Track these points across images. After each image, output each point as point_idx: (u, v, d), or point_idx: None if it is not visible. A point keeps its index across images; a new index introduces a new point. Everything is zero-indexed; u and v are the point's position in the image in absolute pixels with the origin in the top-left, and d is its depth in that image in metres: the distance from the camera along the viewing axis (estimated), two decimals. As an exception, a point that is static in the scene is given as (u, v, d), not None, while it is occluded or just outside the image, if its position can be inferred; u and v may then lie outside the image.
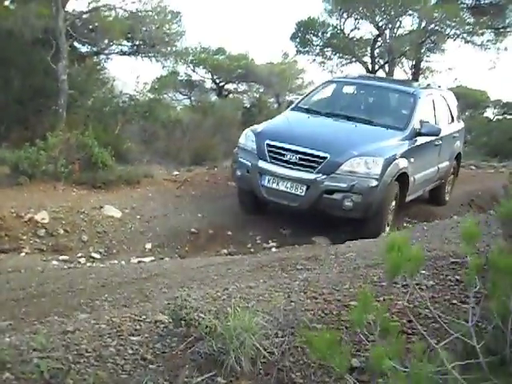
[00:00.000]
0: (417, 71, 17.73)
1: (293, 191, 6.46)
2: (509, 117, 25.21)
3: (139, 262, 5.97)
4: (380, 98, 8.25)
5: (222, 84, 22.87)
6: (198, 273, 4.34)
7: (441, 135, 7.64)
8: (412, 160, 6.94)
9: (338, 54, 18.43)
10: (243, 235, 7.01)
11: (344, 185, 6.28)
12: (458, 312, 2.47)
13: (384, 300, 2.68)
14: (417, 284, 2.77)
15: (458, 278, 2.93)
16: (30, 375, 1.97)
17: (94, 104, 13.81)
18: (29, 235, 6.40)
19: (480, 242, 3.33)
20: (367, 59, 17.94)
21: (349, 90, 8.66)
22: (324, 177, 6.33)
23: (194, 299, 2.67)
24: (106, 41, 14.62)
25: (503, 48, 16.49)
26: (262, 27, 44.45)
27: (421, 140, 7.23)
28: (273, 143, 6.71)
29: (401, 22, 16.25)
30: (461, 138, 9.32)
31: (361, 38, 17.71)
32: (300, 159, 6.46)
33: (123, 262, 5.96)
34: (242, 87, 23.74)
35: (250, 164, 6.82)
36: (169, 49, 15.49)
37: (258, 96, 21.21)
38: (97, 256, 6.32)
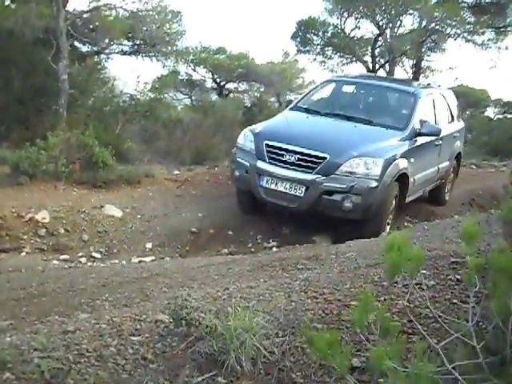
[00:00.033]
0: (417, 70, 17.71)
1: (292, 192, 6.40)
2: (509, 116, 25.21)
3: (140, 261, 5.97)
4: (380, 97, 8.18)
5: (222, 83, 22.86)
6: (199, 272, 4.35)
7: (441, 135, 7.59)
8: (412, 160, 6.89)
9: (338, 54, 18.43)
10: (244, 235, 7.01)
11: (343, 186, 6.22)
12: (459, 312, 2.47)
13: (385, 300, 2.68)
14: (417, 284, 2.76)
15: (458, 277, 2.92)
16: (30, 375, 1.97)
17: (95, 103, 13.82)
18: (29, 235, 6.41)
19: (481, 241, 3.33)
20: (368, 58, 17.95)
21: (348, 89, 8.58)
22: (323, 177, 6.27)
23: (194, 299, 2.67)
24: (107, 40, 14.61)
25: (504, 47, 16.50)
26: (262, 26, 44.45)
27: (421, 140, 7.17)
28: (271, 143, 6.65)
29: (401, 21, 16.26)
30: (461, 137, 9.26)
31: (361, 37, 17.72)
32: (299, 160, 6.40)
33: (124, 262, 5.97)
34: (243, 86, 23.74)
35: (248, 164, 6.76)
36: (169, 48, 15.49)
37: (258, 95, 21.20)
38: (97, 255, 6.33)
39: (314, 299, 2.80)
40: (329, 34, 18.01)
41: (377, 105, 8.03)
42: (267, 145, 6.67)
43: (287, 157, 6.47)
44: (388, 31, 16.44)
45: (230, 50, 22.30)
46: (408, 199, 7.25)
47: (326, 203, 6.28)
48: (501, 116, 25.55)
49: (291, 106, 8.20)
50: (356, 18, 16.94)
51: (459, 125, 9.24)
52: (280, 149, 6.56)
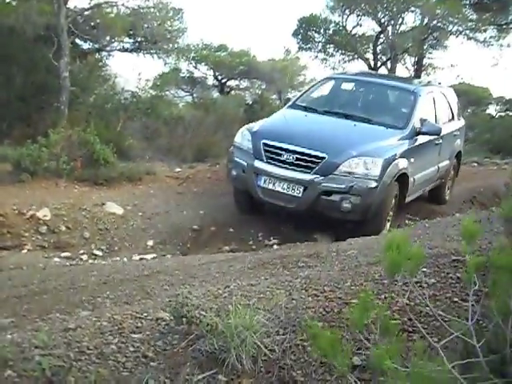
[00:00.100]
0: (419, 68, 17.71)
1: (289, 192, 6.31)
2: (511, 113, 25.15)
3: (141, 259, 5.98)
4: (379, 95, 8.06)
5: (223, 81, 22.83)
6: (200, 270, 4.35)
7: (441, 134, 7.49)
8: (412, 160, 6.80)
9: (340, 51, 18.44)
10: (245, 232, 7.00)
11: (342, 186, 6.13)
12: (460, 310, 2.47)
13: (385, 298, 2.68)
14: (418, 282, 2.77)
15: (459, 275, 2.92)
16: (31, 372, 1.97)
17: (96, 101, 13.81)
18: (31, 232, 6.42)
19: (482, 239, 3.33)
20: (369, 56, 17.96)
21: (347, 87, 8.43)
22: (322, 178, 6.18)
23: (195, 297, 2.67)
24: (108, 38, 14.60)
25: (506, 44, 16.50)
26: (263, 24, 44.28)
27: (421, 139, 7.09)
28: (269, 143, 6.55)
29: (403, 18, 16.28)
30: (461, 136, 9.19)
31: (363, 34, 17.74)
32: (297, 159, 6.30)
33: (125, 259, 5.98)
34: (244, 84, 23.71)
35: (245, 164, 6.66)
36: (171, 45, 15.50)
37: (260, 93, 21.19)
38: (98, 253, 6.34)
39: (315, 297, 2.80)
40: (330, 32, 18.02)
41: (376, 103, 7.91)
42: (265, 144, 6.57)
43: (285, 156, 6.38)
44: (390, 28, 16.45)
45: (231, 47, 22.30)
46: (408, 199, 7.18)
47: (325, 204, 6.20)
48: (503, 114, 25.47)
49: (289, 103, 8.07)
50: (358, 16, 16.97)
51: (459, 123, 9.15)
52: (278, 148, 6.47)
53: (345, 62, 18.56)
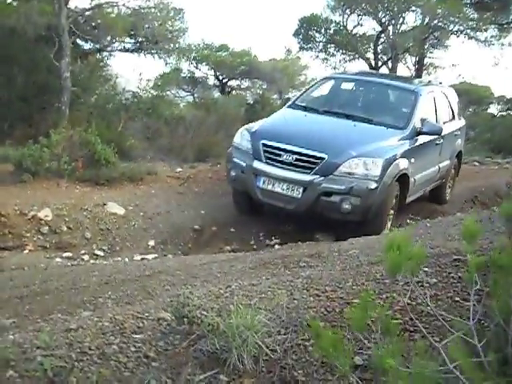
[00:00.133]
0: (420, 67, 17.71)
1: (289, 193, 6.26)
2: (512, 113, 25.15)
3: (142, 259, 5.98)
4: (380, 95, 8.01)
5: (225, 80, 22.83)
6: (201, 270, 4.35)
7: (442, 134, 7.45)
8: (412, 160, 6.76)
9: (340, 51, 18.44)
10: (246, 232, 7.00)
11: (342, 187, 6.09)
12: (461, 310, 2.47)
13: (386, 298, 2.68)
14: (419, 282, 2.77)
15: (460, 275, 2.91)
16: (33, 373, 1.97)
17: (97, 101, 13.83)
18: (32, 232, 6.43)
19: (483, 239, 3.33)
20: (370, 56, 17.94)
21: (347, 86, 8.36)
22: (321, 178, 6.13)
23: (196, 297, 2.67)
24: (109, 38, 14.61)
25: (507, 44, 16.49)
26: (264, 23, 44.34)
27: (422, 139, 7.05)
28: (268, 143, 6.51)
29: (404, 18, 16.28)
30: (462, 135, 9.15)
31: (364, 34, 17.74)
32: (296, 160, 6.26)
33: (126, 259, 5.98)
34: (245, 84, 23.70)
35: (244, 164, 6.62)
36: (172, 45, 15.49)
37: (261, 92, 21.19)
38: (100, 253, 6.34)
39: (316, 297, 2.80)
40: (331, 31, 18.01)
41: (376, 103, 7.86)
42: (264, 144, 6.53)
43: (284, 157, 6.34)
44: (390, 28, 16.45)
45: (232, 47, 22.29)
46: (408, 199, 7.15)
47: (324, 205, 6.16)
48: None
49: (289, 103, 8.03)
50: (358, 15, 16.97)
51: (460, 123, 9.12)
52: (277, 148, 6.43)
53: (346, 61, 18.58)
